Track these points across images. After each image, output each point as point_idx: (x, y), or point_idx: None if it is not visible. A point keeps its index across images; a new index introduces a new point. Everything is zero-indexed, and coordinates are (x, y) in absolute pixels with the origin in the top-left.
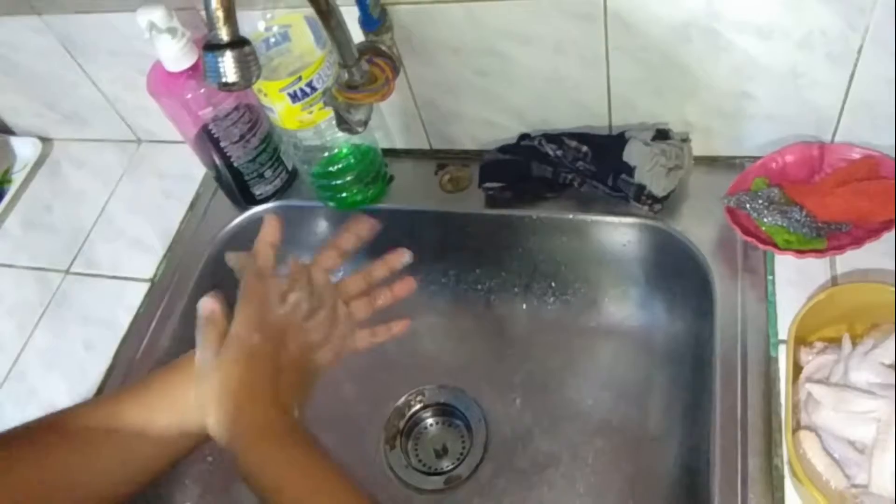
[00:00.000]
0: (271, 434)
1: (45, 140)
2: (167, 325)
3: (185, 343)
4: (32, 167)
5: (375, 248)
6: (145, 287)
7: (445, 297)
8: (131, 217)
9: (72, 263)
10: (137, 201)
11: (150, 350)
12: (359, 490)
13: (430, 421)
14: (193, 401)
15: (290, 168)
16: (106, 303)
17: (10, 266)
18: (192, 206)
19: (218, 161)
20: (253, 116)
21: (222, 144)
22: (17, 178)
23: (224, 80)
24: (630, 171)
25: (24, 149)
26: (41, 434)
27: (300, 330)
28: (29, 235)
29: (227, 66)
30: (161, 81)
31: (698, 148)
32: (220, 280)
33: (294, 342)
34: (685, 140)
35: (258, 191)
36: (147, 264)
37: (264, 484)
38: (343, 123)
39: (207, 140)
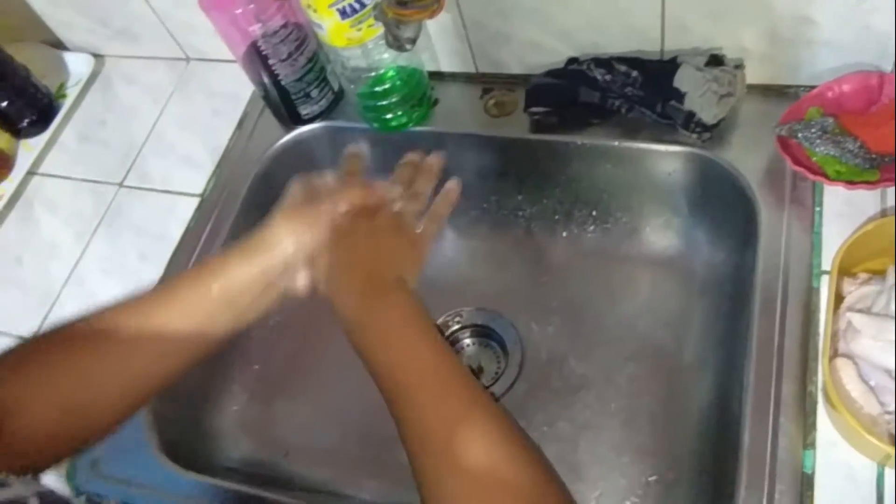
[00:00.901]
0: (389, 309)
1: (97, 56)
2: (216, 240)
3: None
4: (86, 83)
5: None
6: (195, 202)
7: (486, 223)
8: (181, 134)
9: (125, 177)
10: (187, 118)
11: (200, 261)
12: (469, 377)
13: (467, 341)
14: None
15: (336, 88)
16: (158, 216)
17: (67, 178)
18: (240, 124)
19: (266, 79)
20: (301, 34)
21: (270, 62)
22: (72, 94)
23: None
24: (680, 97)
25: (78, 64)
26: (74, 339)
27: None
28: (84, 149)
29: None
30: None
31: (752, 75)
32: (268, 198)
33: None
34: (739, 66)
35: (304, 110)
36: (197, 180)
37: (378, 358)
38: (392, 40)
39: (256, 57)
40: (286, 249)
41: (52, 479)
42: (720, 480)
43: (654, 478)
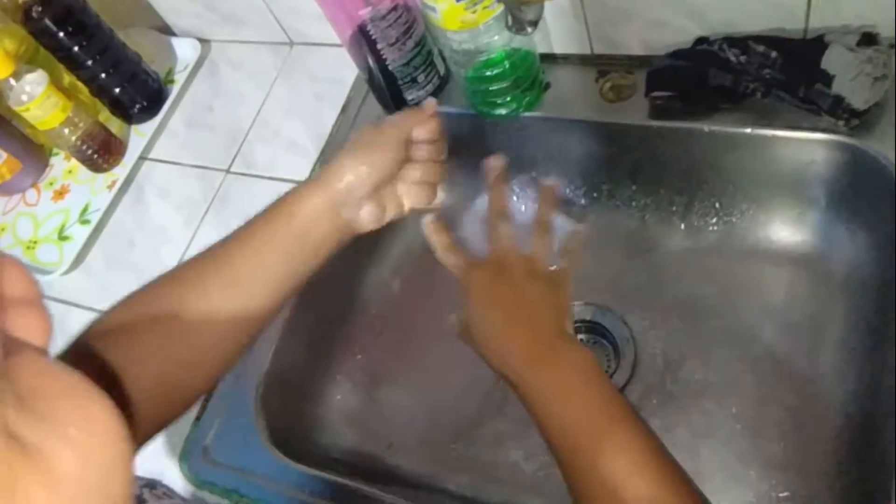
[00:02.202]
0: (544, 360)
1: (203, 41)
2: None
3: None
4: (193, 68)
5: (525, 159)
6: None
7: (596, 212)
8: (286, 119)
9: (232, 163)
10: (291, 104)
11: None
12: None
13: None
14: None
15: (441, 73)
16: (264, 202)
17: (176, 164)
18: (344, 109)
19: (372, 63)
20: (409, 17)
21: (379, 46)
22: (180, 79)
23: None
24: (828, 80)
25: (185, 50)
26: (168, 292)
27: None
28: (191, 134)
29: None
30: None
31: None
32: None
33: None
34: (894, 45)
35: (410, 95)
36: (302, 166)
37: (552, 420)
38: (513, 22)
39: (363, 41)
40: (349, 177)
41: (163, 465)
42: (865, 501)
43: (785, 494)
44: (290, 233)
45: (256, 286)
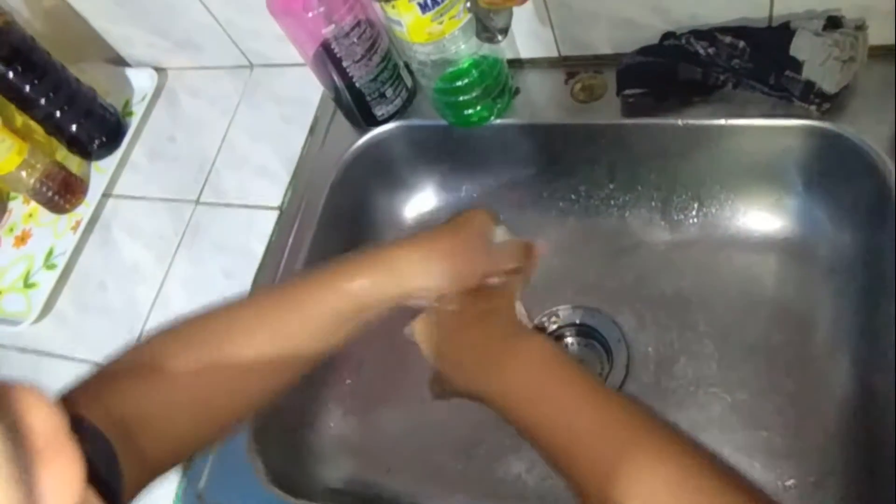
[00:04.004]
0: (500, 361)
1: (160, 70)
2: (299, 253)
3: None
4: (151, 98)
5: (500, 166)
6: (274, 215)
7: (576, 214)
8: (253, 144)
9: (201, 193)
10: (257, 128)
11: (286, 278)
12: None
13: (567, 342)
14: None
15: (409, 86)
16: (238, 231)
17: (142, 198)
18: (312, 130)
19: (338, 81)
20: (373, 33)
21: (344, 63)
22: (138, 110)
23: None
24: (797, 66)
25: (141, 80)
26: (196, 337)
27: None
28: (155, 167)
29: None
30: (280, 0)
31: (874, 36)
32: (347, 204)
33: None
34: (860, 27)
35: (379, 111)
36: (274, 191)
37: (514, 412)
38: (485, 32)
39: (328, 59)
40: (422, 282)
41: None
42: (874, 481)
43: (791, 482)
44: (348, 308)
45: (304, 340)
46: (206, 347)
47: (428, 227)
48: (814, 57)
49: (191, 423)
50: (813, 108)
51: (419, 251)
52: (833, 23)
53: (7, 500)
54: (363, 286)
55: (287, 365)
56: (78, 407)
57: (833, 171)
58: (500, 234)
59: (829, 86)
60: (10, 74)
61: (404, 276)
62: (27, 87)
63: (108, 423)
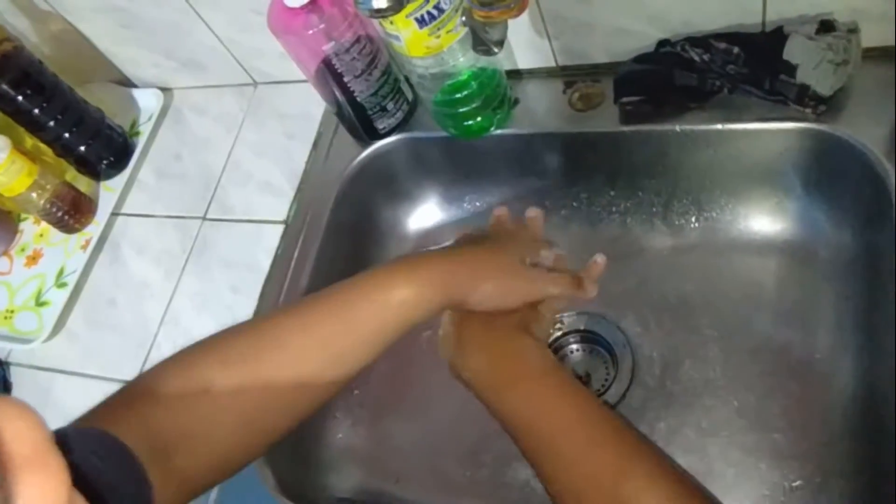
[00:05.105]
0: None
1: (166, 90)
2: (305, 266)
3: (323, 282)
4: (157, 118)
5: (501, 177)
6: (280, 229)
7: (578, 222)
8: (257, 160)
9: (207, 209)
10: (261, 144)
11: (292, 291)
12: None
13: (571, 348)
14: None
15: (410, 98)
16: (244, 246)
17: (150, 216)
18: (316, 145)
19: (340, 97)
20: (373, 48)
21: (345, 79)
22: (145, 130)
23: (375, 5)
24: (791, 70)
25: (147, 100)
26: (242, 348)
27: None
28: (163, 185)
29: None
30: (280, 18)
31: (867, 38)
32: (351, 218)
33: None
34: (853, 30)
35: (381, 125)
36: (279, 206)
37: (516, 424)
38: (481, 45)
39: (329, 75)
40: (476, 298)
41: None
42: (880, 481)
43: (797, 483)
44: (392, 319)
45: (346, 352)
46: (249, 363)
47: (468, 238)
48: (807, 61)
49: (233, 441)
50: (808, 110)
51: (464, 267)
52: (825, 26)
53: None
54: (406, 299)
55: (333, 378)
56: (107, 423)
57: (831, 173)
58: (547, 256)
59: (823, 89)
60: (20, 98)
61: (448, 291)
62: (36, 110)
63: (140, 441)
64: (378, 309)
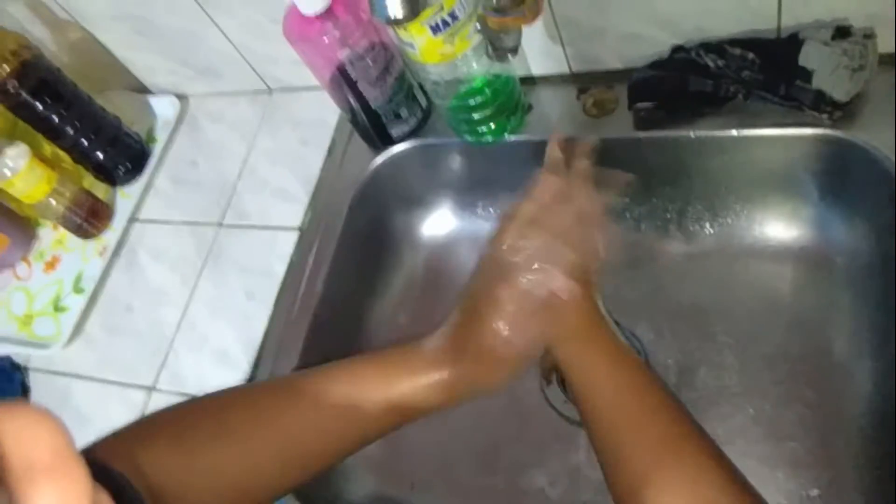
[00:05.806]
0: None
1: (181, 97)
2: (320, 272)
3: (337, 289)
4: (174, 125)
5: (514, 183)
6: (295, 235)
7: None
8: (273, 167)
9: (223, 216)
10: (276, 151)
11: (307, 297)
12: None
13: None
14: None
15: (424, 105)
16: (260, 253)
17: (166, 222)
18: (330, 151)
19: (354, 103)
20: (387, 55)
21: (360, 86)
22: (161, 137)
23: (391, 14)
24: (807, 76)
25: (164, 107)
26: (282, 394)
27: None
28: (179, 191)
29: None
30: (296, 26)
31: (884, 44)
32: (365, 224)
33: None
34: (869, 36)
35: (395, 131)
36: (294, 213)
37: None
38: (496, 52)
39: (344, 82)
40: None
41: None
42: None
43: (815, 492)
44: (398, 411)
45: (375, 413)
46: (253, 435)
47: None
48: (823, 66)
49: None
50: (824, 116)
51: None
52: (841, 32)
53: None
54: (405, 394)
55: (335, 452)
56: (108, 458)
57: (847, 179)
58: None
59: (839, 94)
60: (39, 106)
61: (478, 378)
62: (55, 118)
63: (137, 482)
64: (381, 403)
